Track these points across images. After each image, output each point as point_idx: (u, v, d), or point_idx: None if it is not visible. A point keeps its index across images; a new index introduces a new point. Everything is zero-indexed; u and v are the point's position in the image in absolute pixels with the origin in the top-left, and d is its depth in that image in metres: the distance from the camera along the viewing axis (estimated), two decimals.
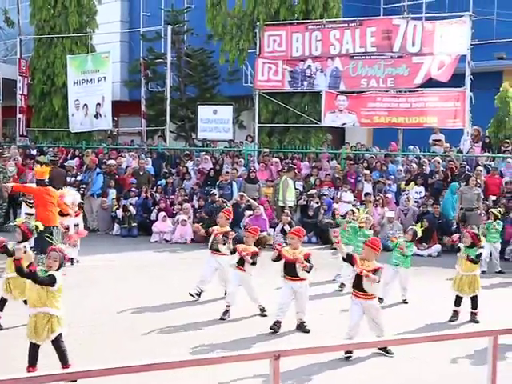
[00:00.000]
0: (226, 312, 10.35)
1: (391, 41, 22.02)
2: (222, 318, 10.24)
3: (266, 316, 10.33)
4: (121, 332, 9.54)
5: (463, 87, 21.30)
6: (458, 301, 10.55)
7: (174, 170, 22.51)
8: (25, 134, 28.86)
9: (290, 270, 9.55)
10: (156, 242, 18.44)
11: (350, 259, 8.70)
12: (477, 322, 10.32)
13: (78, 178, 21.08)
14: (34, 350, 7.37)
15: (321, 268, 13.89)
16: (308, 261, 9.44)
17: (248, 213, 18.45)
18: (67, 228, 14.09)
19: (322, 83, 23.27)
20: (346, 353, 8.13)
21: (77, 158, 24.29)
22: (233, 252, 10.71)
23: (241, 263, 10.48)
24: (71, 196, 14.78)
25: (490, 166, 20.02)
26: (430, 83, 22.00)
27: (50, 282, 7.30)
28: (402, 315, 10.67)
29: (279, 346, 4.30)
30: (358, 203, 18.77)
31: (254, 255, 10.45)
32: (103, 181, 20.55)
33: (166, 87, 26.63)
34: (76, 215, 14.45)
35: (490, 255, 14.82)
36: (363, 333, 8.51)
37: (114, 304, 11.07)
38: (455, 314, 10.51)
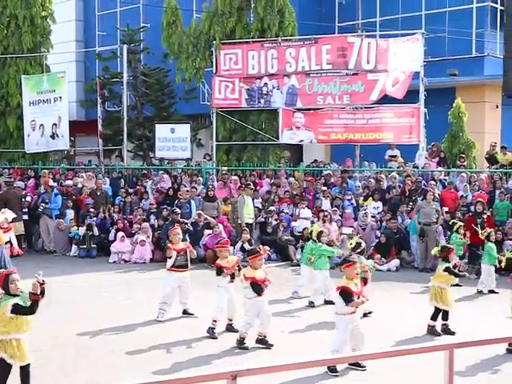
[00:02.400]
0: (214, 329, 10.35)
1: (346, 58, 22.28)
2: (213, 337, 10.20)
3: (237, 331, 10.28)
4: (76, 355, 9.38)
5: (417, 103, 21.64)
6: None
7: (131, 190, 22.33)
8: None
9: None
10: (115, 262, 18.26)
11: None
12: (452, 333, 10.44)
13: (27, 198, 20.74)
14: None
15: (281, 285, 13.95)
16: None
17: (207, 232, 18.39)
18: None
19: (279, 100, 23.40)
20: (332, 371, 8.28)
21: (32, 179, 23.97)
22: (219, 273, 10.62)
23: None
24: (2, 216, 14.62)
25: (445, 180, 20.31)
26: (386, 100, 22.31)
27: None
28: (372, 330, 10.70)
29: (237, 366, 4.25)
30: (316, 219, 18.86)
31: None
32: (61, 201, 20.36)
33: (122, 106, 26.49)
34: (6, 230, 14.36)
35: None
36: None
37: (72, 326, 10.89)
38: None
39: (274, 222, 19.28)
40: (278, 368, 4.31)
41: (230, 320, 10.73)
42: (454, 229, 15.37)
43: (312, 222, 18.31)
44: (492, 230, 14.84)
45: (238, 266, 10.62)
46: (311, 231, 13.61)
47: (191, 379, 4.40)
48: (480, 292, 14.01)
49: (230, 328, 10.66)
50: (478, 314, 12.26)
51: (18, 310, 7.16)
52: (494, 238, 14.37)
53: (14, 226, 18.80)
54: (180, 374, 4.21)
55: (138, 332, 10.68)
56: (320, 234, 13.31)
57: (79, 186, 21.92)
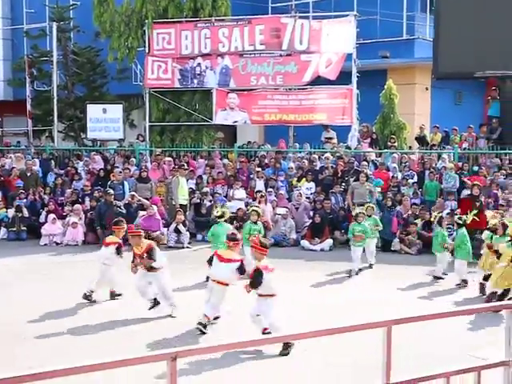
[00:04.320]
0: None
1: (280, 39, 22.29)
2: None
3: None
4: (8, 340, 9.19)
5: (350, 85, 21.85)
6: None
7: (62, 171, 21.90)
8: None
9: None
10: (46, 244, 17.90)
11: None
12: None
13: None
14: None
15: None
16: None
17: (141, 213, 18.20)
18: None
19: (212, 81, 23.28)
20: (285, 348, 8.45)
21: None
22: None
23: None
24: None
25: (377, 161, 20.63)
26: (319, 81, 22.44)
27: None
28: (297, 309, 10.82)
29: (176, 347, 4.22)
30: (251, 200, 18.92)
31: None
32: None
33: (52, 86, 25.91)
34: None
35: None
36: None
37: (15, 309, 10.69)
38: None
39: (208, 204, 19.24)
40: (218, 348, 4.31)
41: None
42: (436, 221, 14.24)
43: (246, 203, 18.36)
44: (441, 213, 14.57)
45: (148, 252, 10.34)
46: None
47: (130, 361, 4.35)
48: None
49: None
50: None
51: None
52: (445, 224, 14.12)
53: None
54: (119, 357, 4.14)
55: (71, 316, 10.52)
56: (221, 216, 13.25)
57: (7, 167, 21.41)
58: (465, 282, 12.89)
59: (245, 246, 13.38)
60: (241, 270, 9.31)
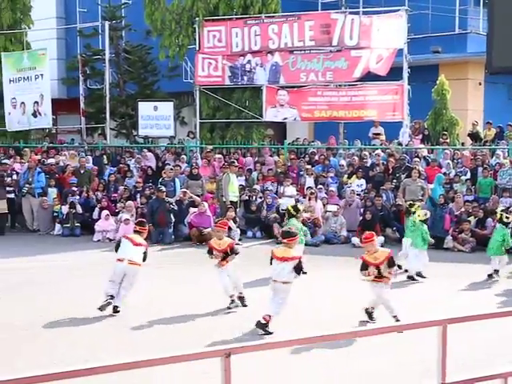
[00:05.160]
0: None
1: (330, 35, 22.19)
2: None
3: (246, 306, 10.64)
4: (61, 334, 9.36)
5: (401, 80, 21.62)
6: None
7: (114, 168, 22.21)
8: None
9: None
10: (99, 240, 18.18)
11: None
12: None
13: (14, 177, 20.65)
14: None
15: (265, 264, 13.92)
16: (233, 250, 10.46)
17: (192, 210, 18.35)
18: None
19: (262, 78, 23.31)
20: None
21: (13, 158, 23.79)
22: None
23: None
24: None
25: (429, 157, 20.38)
26: (369, 77, 22.27)
27: None
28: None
29: (231, 344, 4.25)
30: (301, 197, 18.90)
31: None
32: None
33: (104, 84, 26.29)
34: None
35: None
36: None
37: (56, 306, 10.86)
38: None
39: (259, 200, 19.29)
40: (273, 345, 4.33)
41: (240, 293, 10.87)
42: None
43: (297, 200, 18.36)
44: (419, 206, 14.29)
45: (231, 249, 10.52)
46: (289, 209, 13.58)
47: (184, 357, 4.40)
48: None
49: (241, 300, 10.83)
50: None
51: None
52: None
53: None
54: (173, 352, 4.19)
55: (125, 311, 10.65)
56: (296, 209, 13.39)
57: (61, 164, 21.80)
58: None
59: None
60: (297, 269, 9.25)
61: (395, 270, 9.98)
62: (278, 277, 9.33)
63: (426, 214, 13.52)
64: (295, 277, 9.28)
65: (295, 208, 13.29)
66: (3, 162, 21.82)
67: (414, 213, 13.57)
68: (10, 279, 12.66)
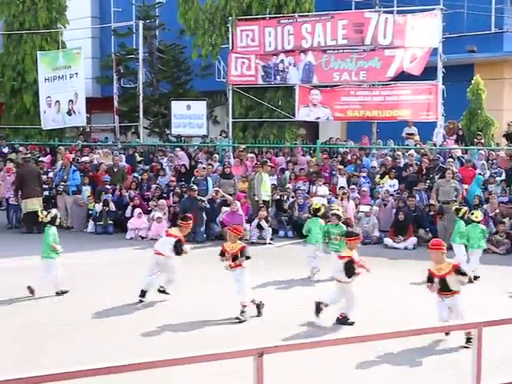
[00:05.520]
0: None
1: (362, 34, 22.05)
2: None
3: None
4: (90, 332, 9.44)
5: (435, 80, 21.42)
6: None
7: (147, 167, 22.34)
8: None
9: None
10: (131, 238, 18.30)
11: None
12: None
13: (50, 174, 20.90)
14: None
15: (297, 263, 13.92)
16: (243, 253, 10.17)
17: (224, 209, 18.39)
18: None
19: (295, 77, 23.26)
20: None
21: (49, 155, 24.08)
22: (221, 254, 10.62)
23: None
24: None
25: (463, 158, 20.17)
26: (403, 76, 22.10)
27: None
28: (390, 309, 10.70)
29: (263, 343, 4.24)
30: (333, 197, 18.83)
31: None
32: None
33: (138, 83, 26.46)
34: None
35: None
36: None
37: (87, 303, 10.96)
38: None
39: (291, 200, 19.26)
40: (307, 345, 4.31)
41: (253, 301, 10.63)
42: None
43: (329, 200, 18.31)
44: None
45: (241, 252, 10.37)
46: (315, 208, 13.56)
47: (217, 356, 4.40)
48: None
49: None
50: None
51: None
52: None
53: (31, 202, 18.96)
54: (206, 351, 4.20)
55: (156, 308, 10.71)
56: (318, 209, 13.38)
57: (95, 162, 21.99)
58: None
59: (319, 243, 13.34)
60: (346, 269, 9.19)
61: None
62: (336, 276, 9.56)
63: (481, 215, 13.44)
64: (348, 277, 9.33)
65: (315, 209, 13.30)
66: (40, 160, 22.07)
67: (463, 217, 13.32)
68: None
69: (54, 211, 12.40)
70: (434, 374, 7.72)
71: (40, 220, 12.23)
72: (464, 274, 8.87)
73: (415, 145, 21.54)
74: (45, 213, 12.24)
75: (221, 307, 10.55)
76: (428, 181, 18.87)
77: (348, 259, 9.45)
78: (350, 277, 9.43)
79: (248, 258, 10.35)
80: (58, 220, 12.19)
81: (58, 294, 11.57)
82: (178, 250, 11.10)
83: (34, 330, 9.47)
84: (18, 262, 14.35)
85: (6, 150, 25.88)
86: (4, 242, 17.39)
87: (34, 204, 18.96)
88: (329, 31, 22.45)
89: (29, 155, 21.46)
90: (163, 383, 6.95)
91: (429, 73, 21.39)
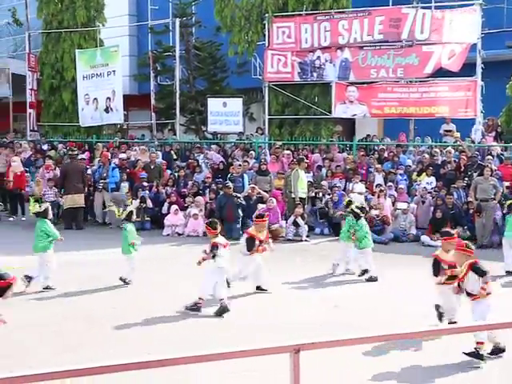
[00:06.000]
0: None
1: (399, 29, 21.86)
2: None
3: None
4: (126, 327, 9.53)
5: (474, 76, 21.16)
6: None
7: (183, 164, 22.45)
8: (35, 128, 28.90)
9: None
10: (168, 235, 18.41)
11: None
12: None
13: (88, 171, 21.12)
14: None
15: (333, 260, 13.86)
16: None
17: (261, 205, 18.39)
18: None
19: (332, 74, 23.16)
20: None
21: (87, 153, 24.34)
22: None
23: None
24: None
25: (502, 155, 19.89)
26: (441, 73, 21.86)
27: None
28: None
29: (299, 340, 4.23)
30: (369, 194, 18.73)
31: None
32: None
33: (175, 80, 26.59)
34: None
35: None
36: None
37: (124, 299, 11.07)
38: None
39: (327, 197, 19.19)
40: (344, 342, 4.29)
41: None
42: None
43: (366, 198, 18.21)
44: None
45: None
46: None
47: (252, 352, 4.40)
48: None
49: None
50: None
51: None
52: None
53: (72, 198, 19.20)
54: (240, 347, 4.21)
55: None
56: (349, 203, 13.55)
57: (132, 159, 22.16)
58: None
59: (344, 241, 13.30)
60: (433, 269, 9.13)
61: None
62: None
63: None
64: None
65: (351, 205, 13.39)
66: (81, 157, 22.30)
67: None
68: (82, 272, 12.93)
69: (45, 205, 12.67)
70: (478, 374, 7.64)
71: (34, 212, 12.62)
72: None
73: (455, 142, 21.30)
74: (37, 205, 12.51)
75: (256, 302, 10.58)
76: (466, 178, 18.63)
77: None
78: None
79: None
80: (133, 216, 12.62)
81: (124, 282, 12.04)
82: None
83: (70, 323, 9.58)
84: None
85: (45, 147, 26.23)
86: None
87: (77, 200, 19.21)
88: (366, 28, 22.31)
89: (76, 152, 21.63)
90: (176, 381, 6.98)
91: (467, 69, 21.13)
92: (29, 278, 11.45)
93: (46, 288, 11.65)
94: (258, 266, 11.41)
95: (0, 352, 8.20)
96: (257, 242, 11.32)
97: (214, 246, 10.39)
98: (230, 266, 10.75)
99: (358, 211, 13.10)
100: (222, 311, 10.09)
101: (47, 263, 11.74)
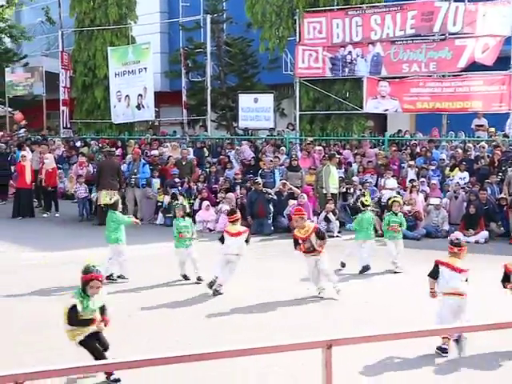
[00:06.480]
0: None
1: (431, 22, 21.66)
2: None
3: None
4: (159, 321, 9.58)
5: (509, 70, 20.89)
6: None
7: (215, 160, 22.51)
8: (68, 126, 29.23)
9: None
10: (200, 230, 18.42)
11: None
12: None
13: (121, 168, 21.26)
14: None
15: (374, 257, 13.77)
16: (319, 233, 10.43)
17: (292, 202, 18.35)
18: None
19: (363, 69, 23.05)
20: None
21: (119, 149, 24.51)
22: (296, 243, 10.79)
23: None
24: None
25: None
26: (474, 67, 21.62)
27: None
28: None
29: (331, 335, 4.21)
30: (402, 190, 18.59)
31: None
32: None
33: (206, 77, 26.69)
34: None
35: None
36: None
37: (158, 294, 11.13)
38: None
39: (358, 193, 19.08)
40: (377, 338, 4.27)
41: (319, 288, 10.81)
42: None
43: (398, 193, 18.07)
44: None
45: (318, 234, 10.48)
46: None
47: (285, 347, 4.40)
48: None
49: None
50: None
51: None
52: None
53: (108, 195, 19.33)
54: (273, 342, 4.20)
55: (228, 298, 10.78)
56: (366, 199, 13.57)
57: (164, 155, 22.27)
58: None
59: (385, 238, 13.20)
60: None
61: None
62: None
63: None
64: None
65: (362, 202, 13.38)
66: (116, 154, 22.44)
67: None
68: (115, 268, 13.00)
69: (115, 197, 12.94)
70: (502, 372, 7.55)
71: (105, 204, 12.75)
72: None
73: (490, 136, 21.04)
74: (108, 198, 12.73)
75: (286, 298, 10.57)
76: (500, 173, 18.40)
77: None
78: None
79: (323, 237, 10.56)
80: (119, 206, 12.60)
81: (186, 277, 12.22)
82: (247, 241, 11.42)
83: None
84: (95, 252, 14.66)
85: (78, 144, 26.49)
86: (76, 234, 17.81)
87: (111, 197, 19.33)
88: (398, 22, 22.16)
89: (113, 149, 21.77)
90: (223, 374, 6.98)
91: (502, 62, 20.87)
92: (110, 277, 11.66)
93: (119, 277, 12.00)
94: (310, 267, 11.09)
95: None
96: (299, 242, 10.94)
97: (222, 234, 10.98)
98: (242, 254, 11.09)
99: (365, 202, 13.14)
100: (210, 285, 10.98)
101: (120, 254, 12.00)
